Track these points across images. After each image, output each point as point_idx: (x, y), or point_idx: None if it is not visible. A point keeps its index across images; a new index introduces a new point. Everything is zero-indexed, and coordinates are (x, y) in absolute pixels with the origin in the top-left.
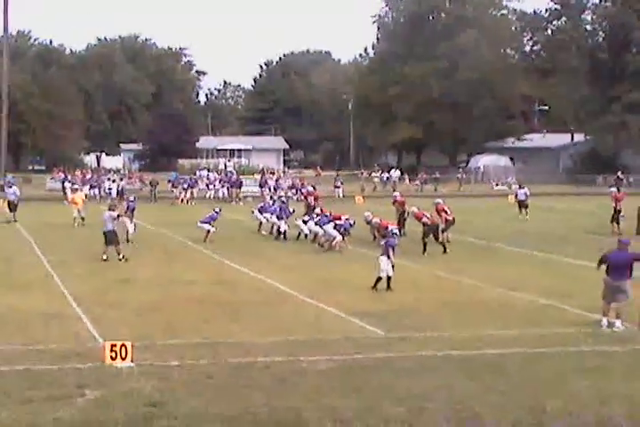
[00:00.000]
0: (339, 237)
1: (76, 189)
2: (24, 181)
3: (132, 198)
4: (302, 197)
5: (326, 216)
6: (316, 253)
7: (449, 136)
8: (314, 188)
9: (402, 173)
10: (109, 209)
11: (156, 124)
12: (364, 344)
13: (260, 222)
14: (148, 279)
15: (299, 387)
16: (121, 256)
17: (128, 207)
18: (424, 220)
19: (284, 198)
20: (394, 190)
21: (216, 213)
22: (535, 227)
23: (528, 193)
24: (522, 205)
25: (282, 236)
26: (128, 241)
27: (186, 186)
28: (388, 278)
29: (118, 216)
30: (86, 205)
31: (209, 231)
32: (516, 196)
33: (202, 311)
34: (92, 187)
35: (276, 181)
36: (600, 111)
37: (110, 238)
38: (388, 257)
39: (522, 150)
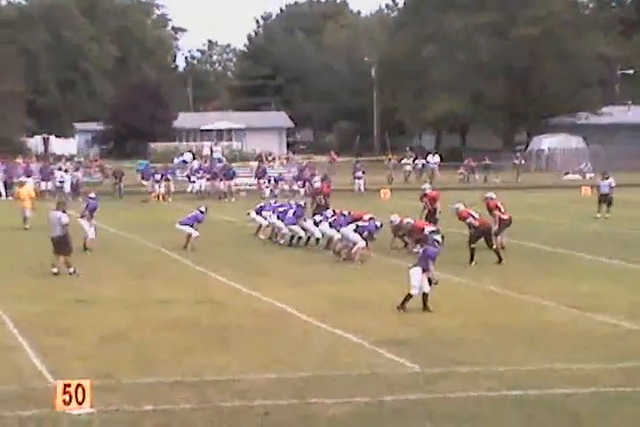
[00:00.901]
0: (361, 243)
1: (23, 183)
2: None
3: (92, 195)
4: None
5: (344, 216)
6: (330, 264)
7: (503, 111)
8: (324, 179)
9: (441, 159)
10: (57, 208)
11: (120, 97)
12: (392, 382)
13: (260, 225)
14: (112, 299)
15: None
16: (72, 270)
17: (87, 206)
18: (470, 220)
19: (301, 202)
20: (430, 181)
21: (201, 212)
22: (617, 228)
23: (613, 185)
24: (604, 200)
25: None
26: (86, 249)
27: (159, 177)
28: (425, 296)
29: (83, 217)
30: (35, 201)
31: (190, 235)
32: (598, 188)
33: (182, 340)
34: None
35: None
36: None
37: (60, 246)
38: (424, 270)
39: (599, 128)
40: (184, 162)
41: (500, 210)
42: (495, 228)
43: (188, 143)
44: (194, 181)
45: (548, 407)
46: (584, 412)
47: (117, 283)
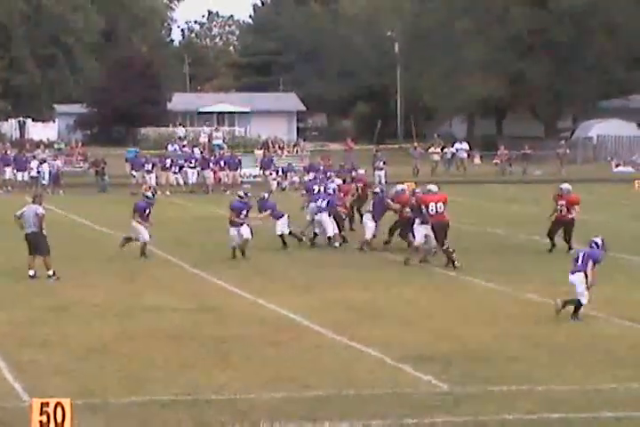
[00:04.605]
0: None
1: None
2: None
3: (148, 194)
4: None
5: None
6: (346, 268)
7: (545, 93)
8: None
9: (470, 148)
10: (34, 201)
11: (107, 75)
12: (417, 403)
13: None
14: (97, 306)
15: None
16: (51, 272)
17: (135, 207)
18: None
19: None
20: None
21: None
22: None
23: None
24: None
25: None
26: (142, 255)
27: (151, 167)
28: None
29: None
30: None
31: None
32: None
33: (176, 353)
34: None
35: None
36: None
37: (36, 244)
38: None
39: None
40: (179, 138)
41: (577, 204)
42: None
43: (184, 128)
44: (176, 172)
45: None
46: None
47: (103, 287)
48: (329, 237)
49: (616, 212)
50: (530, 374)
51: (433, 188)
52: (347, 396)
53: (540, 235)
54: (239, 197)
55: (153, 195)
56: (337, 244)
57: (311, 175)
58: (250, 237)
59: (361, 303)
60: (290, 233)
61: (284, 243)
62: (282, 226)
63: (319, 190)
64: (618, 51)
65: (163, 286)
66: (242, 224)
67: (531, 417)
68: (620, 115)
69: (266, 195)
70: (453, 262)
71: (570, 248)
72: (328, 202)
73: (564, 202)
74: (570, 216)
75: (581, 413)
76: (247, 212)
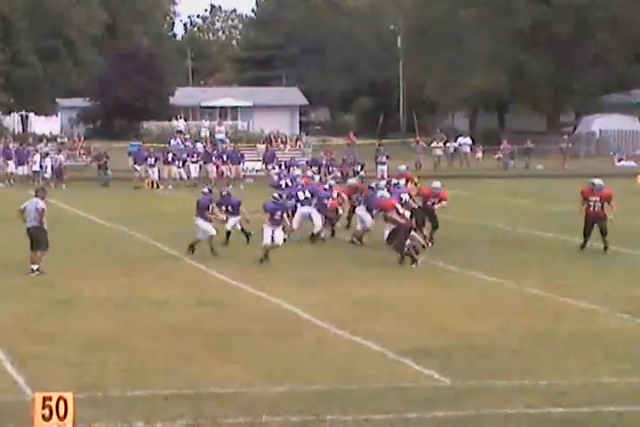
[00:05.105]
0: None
1: None
2: None
3: (205, 190)
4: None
5: None
6: (348, 262)
7: (547, 87)
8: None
9: (473, 142)
10: (37, 195)
11: (109, 69)
12: (418, 398)
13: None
14: (99, 300)
15: None
16: (36, 267)
17: (198, 204)
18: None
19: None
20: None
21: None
22: None
23: None
24: None
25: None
26: (212, 250)
27: (153, 161)
28: None
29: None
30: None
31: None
32: None
33: (178, 347)
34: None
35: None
36: None
37: (36, 239)
38: None
39: None
40: (179, 132)
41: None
42: (611, 217)
43: (187, 122)
44: (179, 166)
45: None
46: None
47: (105, 281)
48: (313, 234)
49: (619, 206)
50: (531, 368)
51: (436, 184)
52: (348, 390)
53: (541, 229)
54: (203, 193)
55: (210, 190)
56: (322, 235)
57: (314, 169)
58: (213, 233)
59: (362, 298)
60: (241, 230)
61: (227, 239)
62: (232, 223)
63: (286, 184)
64: (620, 45)
65: (165, 280)
66: (208, 220)
67: (532, 411)
68: (622, 109)
69: (227, 190)
70: (412, 257)
71: (606, 247)
72: (311, 193)
73: (597, 198)
74: (603, 212)
75: (582, 407)
76: (212, 208)
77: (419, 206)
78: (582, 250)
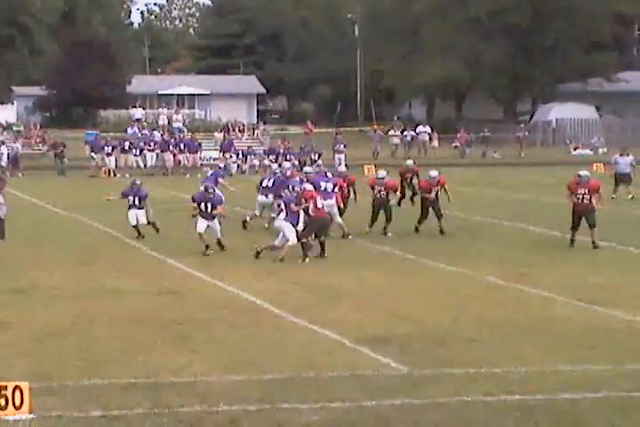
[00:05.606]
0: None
1: None
2: None
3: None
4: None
5: None
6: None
7: (504, 76)
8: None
9: (432, 130)
10: None
11: (66, 57)
12: (376, 385)
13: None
14: (56, 289)
15: None
16: None
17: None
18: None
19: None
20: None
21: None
22: (636, 212)
23: (634, 163)
24: (622, 179)
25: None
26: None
27: (111, 150)
28: None
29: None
30: None
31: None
32: (616, 166)
33: (136, 336)
34: None
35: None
36: None
37: None
38: None
39: (614, 96)
40: (137, 120)
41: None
42: (599, 208)
43: (144, 110)
44: (136, 154)
45: (552, 415)
46: (591, 420)
47: (61, 270)
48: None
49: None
50: (488, 356)
51: (433, 173)
52: (306, 378)
53: (498, 217)
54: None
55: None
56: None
57: (271, 158)
58: (143, 221)
59: (321, 286)
60: (148, 223)
61: (139, 232)
62: (139, 216)
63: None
64: (576, 34)
65: (122, 269)
66: (138, 208)
67: (489, 399)
68: (579, 98)
69: (137, 181)
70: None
71: (594, 242)
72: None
73: (585, 190)
74: (591, 204)
75: (539, 394)
76: (136, 198)
77: (424, 198)
78: (572, 246)
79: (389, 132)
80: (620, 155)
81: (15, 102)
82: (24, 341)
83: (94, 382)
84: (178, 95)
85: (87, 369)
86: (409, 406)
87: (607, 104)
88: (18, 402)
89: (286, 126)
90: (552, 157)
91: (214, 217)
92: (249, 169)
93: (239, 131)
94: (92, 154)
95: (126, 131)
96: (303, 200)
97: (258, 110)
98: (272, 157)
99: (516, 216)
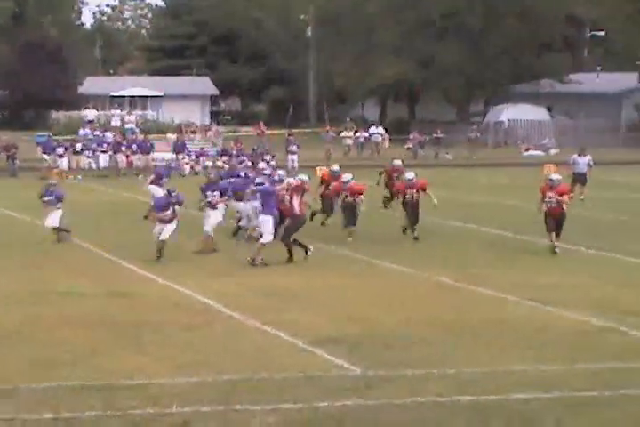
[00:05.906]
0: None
1: None
2: None
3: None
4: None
5: None
6: (265, 254)
7: (457, 76)
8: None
9: (386, 131)
10: None
11: (17, 59)
12: (329, 387)
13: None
14: (5, 292)
15: None
16: None
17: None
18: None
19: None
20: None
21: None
22: (587, 212)
23: (592, 163)
24: (579, 180)
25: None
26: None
27: (62, 151)
28: None
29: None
30: None
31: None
32: (574, 166)
33: (87, 338)
34: None
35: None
36: None
37: None
38: None
39: (565, 97)
40: (89, 122)
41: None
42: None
43: (96, 112)
44: (89, 156)
45: (504, 414)
46: (542, 419)
47: (10, 272)
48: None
49: (528, 195)
50: (440, 357)
51: (409, 175)
52: (259, 380)
53: (449, 219)
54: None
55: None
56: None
57: (224, 159)
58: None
59: (276, 288)
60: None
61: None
62: (53, 218)
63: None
64: (528, 36)
65: (73, 271)
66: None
67: (441, 399)
68: (531, 99)
69: (53, 182)
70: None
71: (555, 247)
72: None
73: (553, 193)
74: (561, 207)
75: (491, 395)
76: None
77: (403, 202)
78: (554, 253)
79: (342, 134)
80: (579, 155)
81: None
82: None
83: (46, 384)
84: (130, 96)
85: (38, 372)
86: (362, 406)
87: (559, 105)
88: None
89: (239, 128)
90: (504, 158)
91: (170, 221)
92: (202, 170)
93: (192, 132)
94: (44, 155)
95: (78, 132)
96: (293, 193)
97: (211, 112)
98: (225, 159)
99: (468, 217)
